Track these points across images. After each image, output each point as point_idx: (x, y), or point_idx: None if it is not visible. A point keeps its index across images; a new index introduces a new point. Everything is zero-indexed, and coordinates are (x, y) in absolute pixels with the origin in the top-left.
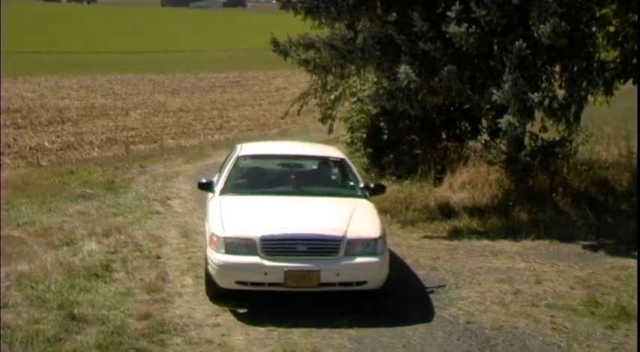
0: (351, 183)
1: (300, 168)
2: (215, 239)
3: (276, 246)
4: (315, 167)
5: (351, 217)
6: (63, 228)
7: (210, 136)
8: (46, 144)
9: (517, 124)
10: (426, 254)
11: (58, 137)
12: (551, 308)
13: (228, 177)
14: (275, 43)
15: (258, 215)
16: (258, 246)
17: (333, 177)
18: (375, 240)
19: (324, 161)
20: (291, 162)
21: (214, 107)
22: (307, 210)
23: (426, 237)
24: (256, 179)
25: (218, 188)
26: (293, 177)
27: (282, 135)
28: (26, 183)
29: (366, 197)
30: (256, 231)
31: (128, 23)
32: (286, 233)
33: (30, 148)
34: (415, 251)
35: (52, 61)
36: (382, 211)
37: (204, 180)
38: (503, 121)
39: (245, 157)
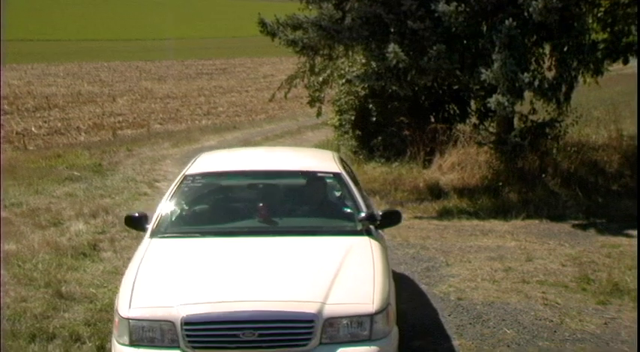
0: (348, 212)
1: (275, 189)
2: (117, 320)
3: (208, 334)
4: (297, 187)
5: (336, 275)
6: (50, 209)
7: (197, 122)
8: (33, 129)
9: (506, 104)
10: (416, 233)
11: (45, 122)
12: (542, 285)
13: (163, 210)
14: (262, 24)
15: (191, 276)
16: (180, 334)
17: (322, 204)
18: (371, 316)
19: (310, 178)
20: (263, 181)
21: (201, 94)
22: (271, 263)
23: (415, 217)
24: (208, 210)
25: (150, 226)
26: (262, 205)
27: (270, 120)
28: (13, 167)
29: (369, 234)
30: (177, 307)
31: (115, 10)
32: (224, 311)
33: (17, 133)
34: (405, 230)
35: (38, 48)
36: (371, 192)
37: (135, 213)
38: (493, 100)
39: (194, 177)
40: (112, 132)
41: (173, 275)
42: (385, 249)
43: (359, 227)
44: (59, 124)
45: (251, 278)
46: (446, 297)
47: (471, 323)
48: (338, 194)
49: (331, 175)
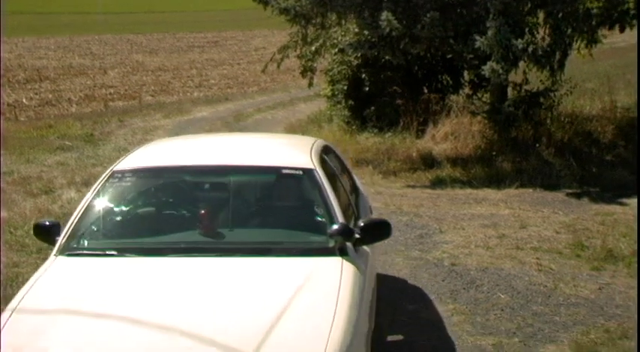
0: (319, 223)
1: (226, 191)
2: None
3: None
4: (254, 188)
5: (279, 316)
6: (42, 178)
7: (189, 94)
8: (24, 100)
9: (500, 71)
10: (409, 202)
11: (36, 94)
12: (536, 251)
13: (80, 218)
14: None
15: (85, 316)
16: None
17: (287, 210)
18: None
19: (272, 176)
20: (211, 180)
21: (193, 66)
22: (200, 296)
23: (408, 186)
24: (137, 219)
25: (59, 240)
26: (204, 212)
27: (262, 92)
28: (4, 137)
29: (343, 253)
30: None
31: None
32: None
33: (8, 105)
34: (398, 199)
35: (29, 21)
36: (364, 162)
37: (45, 222)
38: (487, 68)
39: (123, 174)
40: (104, 103)
41: (61, 316)
42: (363, 276)
43: (330, 244)
44: (50, 96)
45: (170, 318)
46: (439, 263)
47: (464, 288)
48: (309, 197)
49: (301, 172)
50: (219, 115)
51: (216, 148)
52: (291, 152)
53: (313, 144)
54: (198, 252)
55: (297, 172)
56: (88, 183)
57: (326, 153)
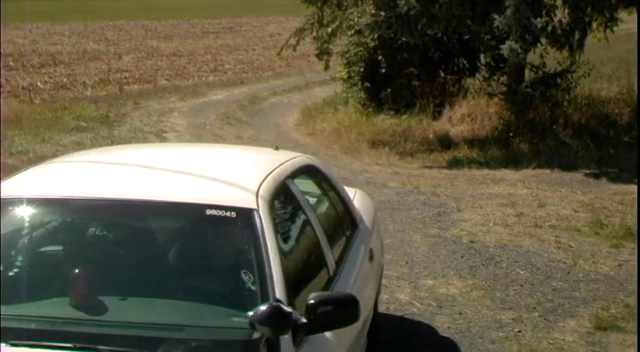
0: (246, 295)
1: (124, 237)
2: None
3: None
4: (163, 236)
5: None
6: (57, 157)
7: (204, 78)
8: (39, 84)
9: (519, 50)
10: (426, 181)
11: (51, 78)
12: (555, 229)
13: None
14: None
15: None
16: None
17: (203, 273)
18: None
19: (193, 218)
20: (107, 220)
21: (208, 52)
22: None
23: (425, 167)
24: None
25: None
26: (78, 273)
27: (277, 77)
28: (19, 118)
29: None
30: None
31: None
32: None
33: (22, 88)
34: (415, 179)
35: (42, 7)
36: (380, 143)
37: None
38: (506, 47)
39: None
40: (119, 87)
41: None
42: None
43: (254, 334)
44: (65, 80)
45: None
46: (458, 240)
47: (483, 265)
48: (241, 254)
49: (233, 214)
50: (235, 98)
51: (128, 172)
52: (232, 180)
53: (279, 167)
54: (60, 338)
55: (227, 214)
56: None
57: (298, 178)
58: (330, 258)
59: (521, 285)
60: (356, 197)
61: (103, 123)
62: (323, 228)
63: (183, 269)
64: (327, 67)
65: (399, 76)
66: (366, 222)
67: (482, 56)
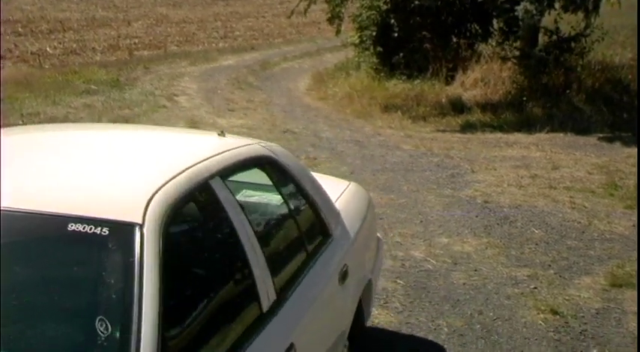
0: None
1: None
2: None
3: None
4: (28, 256)
5: None
6: (68, 119)
7: (214, 44)
8: (48, 49)
9: (534, 12)
10: (440, 144)
11: (60, 44)
12: (569, 191)
13: None
14: None
15: None
16: None
17: (59, 313)
18: None
19: (56, 235)
20: None
21: (217, 19)
22: None
23: (438, 130)
24: None
25: None
26: None
27: (288, 43)
28: (29, 81)
29: None
30: None
31: None
32: None
33: (32, 53)
34: (428, 142)
35: None
36: (393, 107)
37: None
38: (520, 8)
39: None
40: (129, 52)
41: None
42: None
43: None
44: (74, 45)
45: None
46: (472, 200)
47: (498, 224)
48: (110, 287)
49: (105, 232)
50: (245, 64)
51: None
52: (121, 181)
53: (204, 161)
54: None
55: (95, 230)
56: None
57: (238, 175)
58: (268, 287)
59: (536, 244)
60: (347, 192)
61: (114, 87)
62: (264, 245)
63: (22, 308)
64: (338, 32)
65: (411, 40)
66: (349, 227)
67: (495, 21)
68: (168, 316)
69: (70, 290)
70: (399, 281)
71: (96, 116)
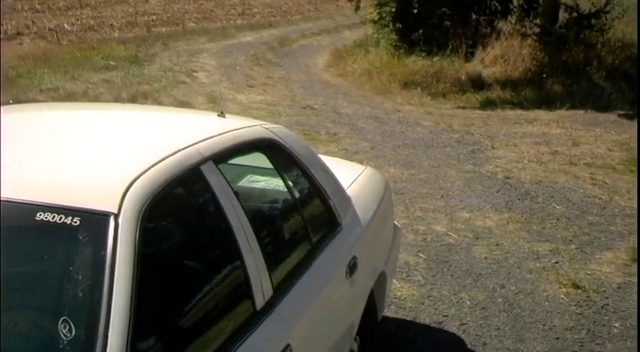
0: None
1: None
2: None
3: None
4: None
5: None
6: (87, 94)
7: (232, 21)
8: (66, 26)
9: None
10: (460, 121)
11: (77, 20)
12: (590, 167)
13: None
14: None
15: None
16: None
17: (27, 310)
18: None
19: (24, 224)
20: None
21: None
22: None
23: (458, 107)
24: None
25: None
26: None
27: (306, 20)
28: (47, 57)
29: None
30: None
31: None
32: None
33: (49, 29)
34: (448, 118)
35: None
36: (412, 84)
37: None
38: None
39: None
40: (147, 29)
41: None
42: None
43: None
44: (92, 22)
45: None
46: (493, 176)
47: (519, 199)
48: (69, 291)
49: (76, 222)
50: (264, 40)
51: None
52: (100, 165)
53: (195, 144)
54: None
55: (66, 220)
56: (134, 100)
57: (235, 159)
58: (264, 283)
59: (558, 219)
60: (362, 177)
61: (133, 63)
62: (262, 236)
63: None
64: (357, 8)
65: (431, 16)
66: (361, 216)
67: None
68: (143, 318)
69: (33, 286)
70: (420, 254)
71: (115, 91)
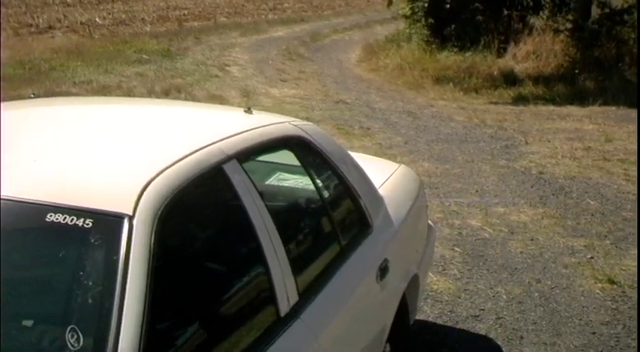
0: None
1: None
2: None
3: None
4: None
5: None
6: (121, 87)
7: (263, 16)
8: (97, 20)
9: None
10: (492, 116)
11: (109, 14)
12: (623, 163)
13: None
14: None
15: None
16: None
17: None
18: None
19: (35, 226)
20: None
21: None
22: None
23: (490, 102)
24: None
25: None
26: None
27: (337, 15)
28: (80, 50)
29: None
30: None
31: None
32: None
33: (81, 23)
34: (481, 114)
35: None
36: (444, 79)
37: None
38: None
39: None
40: (178, 23)
41: None
42: None
43: None
44: (123, 16)
45: None
46: (527, 171)
47: (553, 194)
48: (78, 297)
49: (89, 224)
50: (296, 35)
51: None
52: (117, 164)
53: (218, 143)
54: None
55: (77, 221)
56: (168, 93)
57: (261, 157)
58: (289, 288)
59: (592, 214)
60: (395, 176)
61: (165, 57)
62: (288, 239)
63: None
64: (390, 3)
65: (463, 12)
66: (393, 216)
67: None
68: (156, 328)
69: (40, 291)
70: (456, 249)
71: (148, 85)
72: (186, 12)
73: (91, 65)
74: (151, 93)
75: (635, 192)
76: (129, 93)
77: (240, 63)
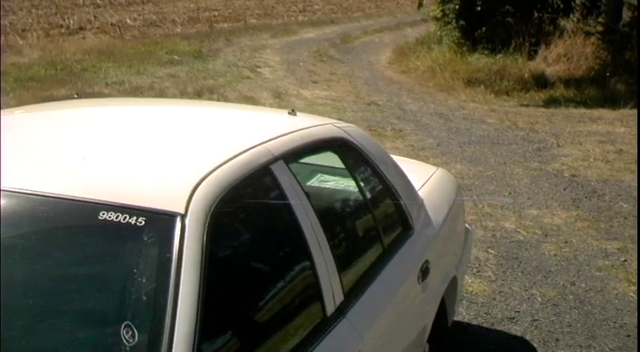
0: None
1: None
2: None
3: None
4: (55, 248)
5: None
6: (153, 88)
7: (293, 18)
8: (128, 21)
9: None
10: (524, 119)
11: (140, 15)
12: None
13: None
14: None
15: None
16: None
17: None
18: None
19: (85, 225)
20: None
21: None
22: None
23: (521, 105)
24: None
25: None
26: None
27: (367, 17)
28: (111, 51)
29: None
30: None
31: None
32: None
33: (111, 24)
34: (512, 116)
35: None
36: (475, 82)
37: None
38: None
39: None
40: (209, 24)
41: None
42: None
43: None
44: (154, 17)
45: None
46: (559, 174)
47: (586, 197)
48: (133, 294)
49: (141, 223)
50: (326, 37)
51: (34, 142)
52: (168, 164)
53: (266, 143)
54: None
55: (130, 220)
56: (200, 94)
57: (306, 159)
58: (334, 288)
59: (625, 217)
60: (433, 179)
61: (197, 58)
62: (333, 239)
63: (42, 309)
64: (420, 5)
65: (494, 14)
66: (433, 219)
67: None
68: (209, 323)
69: (95, 289)
70: (490, 251)
71: (180, 86)
72: (216, 13)
73: (123, 66)
74: (183, 95)
75: None
76: (162, 94)
77: (271, 64)
